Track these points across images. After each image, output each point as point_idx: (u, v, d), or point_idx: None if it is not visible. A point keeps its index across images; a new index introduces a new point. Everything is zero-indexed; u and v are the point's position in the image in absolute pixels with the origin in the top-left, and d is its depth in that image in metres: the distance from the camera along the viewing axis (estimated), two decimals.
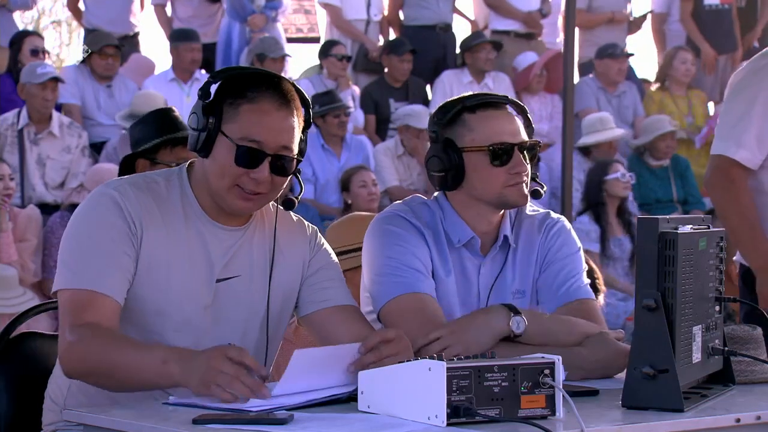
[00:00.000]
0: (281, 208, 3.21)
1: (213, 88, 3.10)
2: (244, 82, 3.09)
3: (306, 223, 3.32)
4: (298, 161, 3.12)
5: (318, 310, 3.23)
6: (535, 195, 3.38)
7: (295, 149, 3.11)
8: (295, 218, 3.30)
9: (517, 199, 3.34)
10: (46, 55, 9.19)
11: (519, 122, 3.37)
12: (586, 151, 9.12)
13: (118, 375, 2.89)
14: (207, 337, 3.10)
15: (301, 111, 3.13)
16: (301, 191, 3.18)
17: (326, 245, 3.31)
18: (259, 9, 9.89)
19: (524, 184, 3.33)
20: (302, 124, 3.14)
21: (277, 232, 3.21)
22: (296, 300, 3.26)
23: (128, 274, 3.04)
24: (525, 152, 3.33)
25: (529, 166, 3.33)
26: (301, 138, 3.14)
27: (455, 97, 3.40)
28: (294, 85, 3.15)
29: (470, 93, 3.42)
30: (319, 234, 3.32)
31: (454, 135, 3.34)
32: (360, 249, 4.67)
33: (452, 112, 3.34)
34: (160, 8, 10.27)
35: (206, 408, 2.68)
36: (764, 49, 4.44)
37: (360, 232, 4.73)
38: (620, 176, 8.50)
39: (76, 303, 2.98)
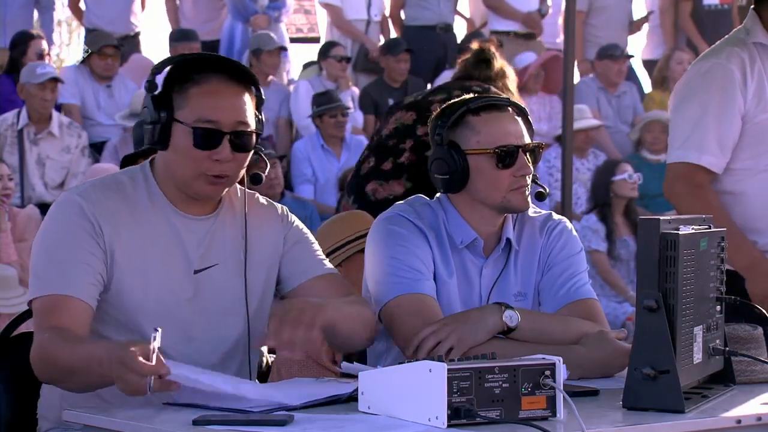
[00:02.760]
0: (250, 192, 3.21)
1: (159, 79, 3.08)
2: (189, 68, 3.09)
3: (274, 203, 3.32)
4: (258, 136, 3.11)
5: (301, 283, 3.24)
6: (540, 197, 3.38)
7: (252, 125, 3.10)
8: (263, 200, 3.30)
9: (520, 205, 3.35)
10: (48, 57, 9.20)
11: (522, 124, 3.38)
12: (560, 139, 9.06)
13: (74, 377, 2.88)
14: (192, 328, 3.10)
15: (252, 88, 3.13)
16: (266, 167, 3.16)
17: (297, 221, 3.32)
18: (262, 9, 9.90)
19: (527, 188, 3.34)
20: (254, 100, 3.13)
21: (248, 215, 3.21)
22: (277, 278, 3.25)
23: (96, 275, 3.03)
24: (528, 154, 3.34)
25: (532, 168, 3.34)
26: (257, 116, 3.13)
27: (457, 99, 3.40)
28: (240, 64, 3.15)
29: (472, 95, 3.41)
30: (289, 212, 3.32)
31: (458, 137, 3.34)
32: (350, 242, 4.69)
33: (456, 115, 3.34)
34: (171, 2, 10.31)
35: (207, 408, 2.68)
36: (704, 51, 4.37)
37: (349, 226, 4.74)
38: (627, 177, 8.49)
39: (43, 309, 3.00)
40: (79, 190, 3.12)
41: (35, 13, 10.05)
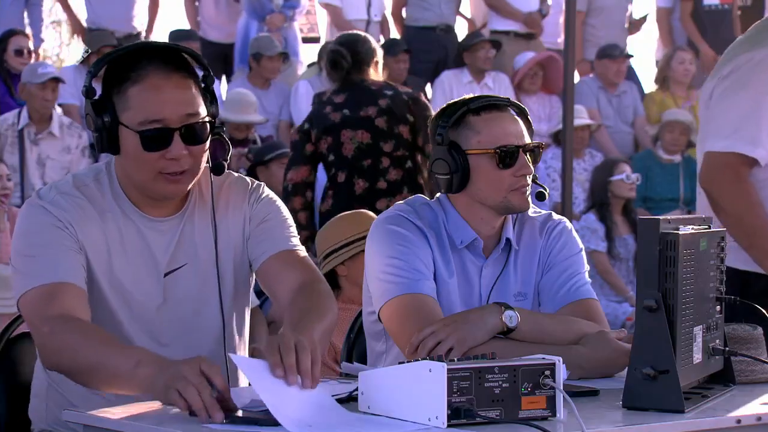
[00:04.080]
0: (219, 177, 3.08)
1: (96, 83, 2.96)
2: (124, 65, 2.94)
3: (248, 179, 3.20)
4: (212, 124, 2.99)
5: (260, 265, 3.12)
6: (540, 197, 3.39)
7: (203, 112, 2.97)
8: (235, 176, 3.19)
9: (520, 205, 3.35)
10: (33, 55, 9.18)
11: (522, 124, 3.38)
12: (557, 139, 9.05)
13: (91, 373, 2.81)
14: (165, 334, 3.06)
15: (195, 73, 2.98)
16: (228, 151, 3.04)
17: (268, 195, 3.18)
18: (278, 8, 9.90)
19: (527, 189, 3.34)
20: (199, 84, 2.98)
21: (218, 201, 3.10)
22: (249, 262, 3.15)
23: (81, 261, 2.96)
24: (528, 154, 3.34)
25: (532, 168, 3.34)
26: (208, 97, 2.99)
27: (458, 99, 3.40)
28: (176, 48, 2.99)
29: (472, 95, 3.42)
30: (261, 187, 3.19)
31: (458, 138, 3.34)
32: (354, 241, 4.70)
33: (456, 115, 3.34)
34: (190, 2, 10.33)
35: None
36: (744, 38, 4.26)
37: (353, 226, 4.75)
38: (625, 178, 8.48)
39: (39, 299, 2.90)
40: (45, 196, 3.01)
41: (25, 12, 10.04)
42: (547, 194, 3.42)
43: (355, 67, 6.58)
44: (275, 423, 2.49)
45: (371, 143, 6.53)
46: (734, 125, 4.09)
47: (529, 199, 3.37)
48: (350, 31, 7.25)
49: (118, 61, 2.96)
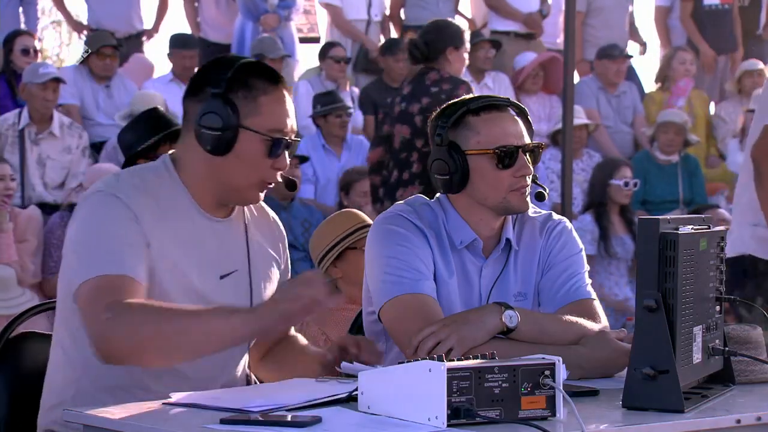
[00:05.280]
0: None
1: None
2: (249, 74, 3.07)
3: (265, 205, 3.31)
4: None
5: None
6: (539, 197, 3.38)
7: None
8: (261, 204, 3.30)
9: (520, 206, 3.35)
10: (39, 54, 9.19)
11: (522, 124, 3.38)
12: (555, 140, 9.04)
13: (180, 339, 2.83)
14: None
15: None
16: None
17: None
18: (272, 8, 9.89)
19: (527, 189, 3.33)
20: None
21: (250, 220, 3.21)
22: None
23: (146, 257, 2.98)
24: (528, 154, 3.34)
25: (532, 169, 3.34)
26: None
27: (457, 100, 3.40)
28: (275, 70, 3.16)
29: (472, 95, 3.42)
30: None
31: (458, 138, 3.33)
32: (339, 241, 4.70)
33: (456, 115, 3.34)
34: (189, 3, 10.34)
35: (206, 408, 2.67)
36: None
37: (336, 227, 4.75)
38: (623, 185, 8.46)
39: (105, 288, 2.89)
40: (115, 187, 3.04)
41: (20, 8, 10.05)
42: (546, 194, 3.42)
43: (427, 57, 6.80)
44: (276, 423, 2.49)
45: (410, 139, 6.80)
46: None
47: (529, 199, 3.37)
48: (436, 19, 7.45)
49: (241, 69, 3.07)
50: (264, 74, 3.09)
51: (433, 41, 6.93)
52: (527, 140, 3.36)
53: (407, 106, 6.86)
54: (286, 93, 3.11)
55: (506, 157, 3.31)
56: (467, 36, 7.10)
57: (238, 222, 3.19)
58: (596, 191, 8.60)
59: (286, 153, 3.08)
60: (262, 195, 3.13)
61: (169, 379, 3.00)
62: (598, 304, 3.42)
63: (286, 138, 3.07)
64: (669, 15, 10.81)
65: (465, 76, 9.84)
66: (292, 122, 3.10)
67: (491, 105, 3.36)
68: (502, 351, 2.91)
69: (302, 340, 3.39)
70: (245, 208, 3.21)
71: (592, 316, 3.34)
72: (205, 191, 3.10)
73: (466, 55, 7.15)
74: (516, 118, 3.38)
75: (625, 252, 8.47)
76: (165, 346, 2.85)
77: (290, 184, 3.20)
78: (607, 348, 3.18)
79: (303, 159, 8.28)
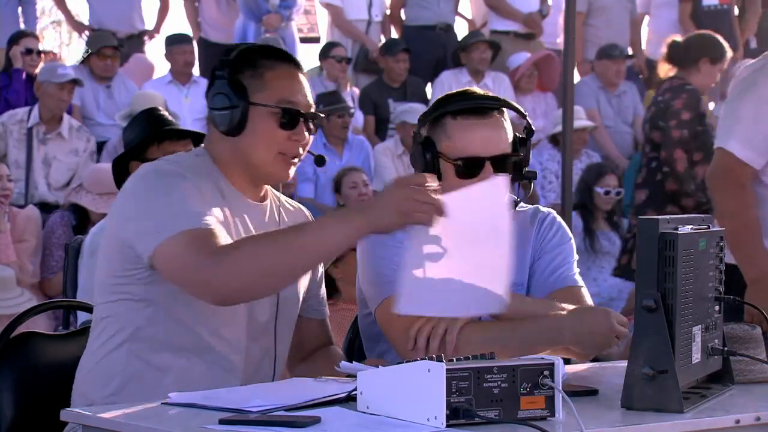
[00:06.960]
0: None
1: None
2: (255, 55, 3.16)
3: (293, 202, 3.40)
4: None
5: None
6: (319, 162, 3.37)
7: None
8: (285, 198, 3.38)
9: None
10: (42, 56, 9.20)
11: (504, 130, 3.31)
12: (555, 140, 9.03)
13: (299, 253, 2.89)
14: (244, 333, 3.12)
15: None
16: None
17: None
18: (274, 8, 9.90)
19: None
20: None
21: (281, 207, 3.29)
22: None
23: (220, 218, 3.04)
24: (499, 164, 3.27)
25: (508, 176, 3.22)
26: None
27: (444, 95, 3.37)
28: (290, 54, 3.25)
29: (460, 94, 3.35)
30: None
31: (434, 136, 3.32)
32: None
33: (435, 114, 3.32)
34: (189, 3, 10.34)
35: (206, 408, 2.67)
36: None
37: None
38: (603, 193, 8.41)
39: (196, 239, 2.91)
40: (162, 163, 3.10)
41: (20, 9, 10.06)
42: (531, 188, 3.43)
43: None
44: (275, 423, 2.50)
45: None
46: (734, 126, 4.15)
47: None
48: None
49: (249, 51, 3.18)
50: (272, 54, 3.17)
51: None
52: (502, 149, 3.28)
53: None
54: (298, 71, 3.17)
55: (470, 168, 3.26)
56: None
57: (272, 206, 3.26)
58: (583, 194, 8.53)
59: (303, 125, 3.13)
60: (290, 171, 3.18)
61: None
62: (586, 292, 3.43)
63: (297, 110, 3.12)
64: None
65: (464, 75, 9.88)
66: (305, 97, 3.16)
67: (471, 109, 3.29)
68: (514, 310, 3.02)
69: (338, 352, 3.44)
70: (273, 195, 3.27)
71: (581, 303, 3.34)
72: (237, 175, 3.16)
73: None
74: (498, 122, 3.30)
75: (612, 246, 8.38)
76: (277, 270, 2.91)
77: (319, 159, 3.28)
78: (598, 317, 3.17)
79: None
